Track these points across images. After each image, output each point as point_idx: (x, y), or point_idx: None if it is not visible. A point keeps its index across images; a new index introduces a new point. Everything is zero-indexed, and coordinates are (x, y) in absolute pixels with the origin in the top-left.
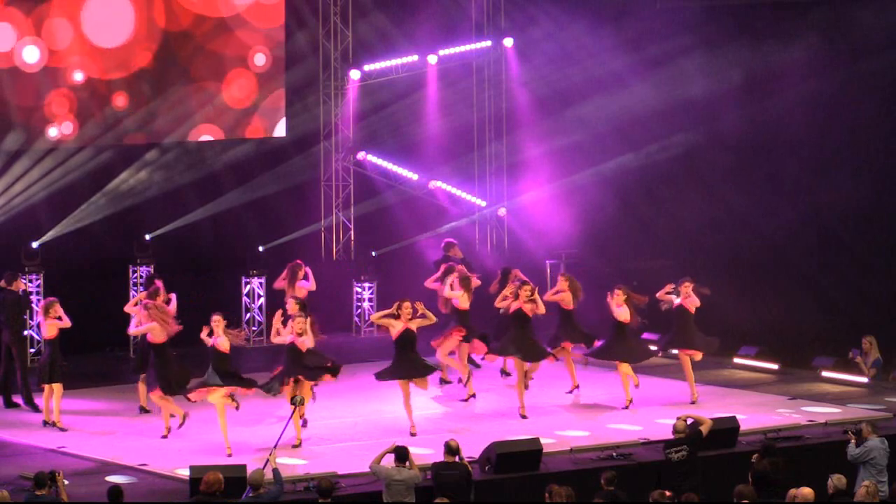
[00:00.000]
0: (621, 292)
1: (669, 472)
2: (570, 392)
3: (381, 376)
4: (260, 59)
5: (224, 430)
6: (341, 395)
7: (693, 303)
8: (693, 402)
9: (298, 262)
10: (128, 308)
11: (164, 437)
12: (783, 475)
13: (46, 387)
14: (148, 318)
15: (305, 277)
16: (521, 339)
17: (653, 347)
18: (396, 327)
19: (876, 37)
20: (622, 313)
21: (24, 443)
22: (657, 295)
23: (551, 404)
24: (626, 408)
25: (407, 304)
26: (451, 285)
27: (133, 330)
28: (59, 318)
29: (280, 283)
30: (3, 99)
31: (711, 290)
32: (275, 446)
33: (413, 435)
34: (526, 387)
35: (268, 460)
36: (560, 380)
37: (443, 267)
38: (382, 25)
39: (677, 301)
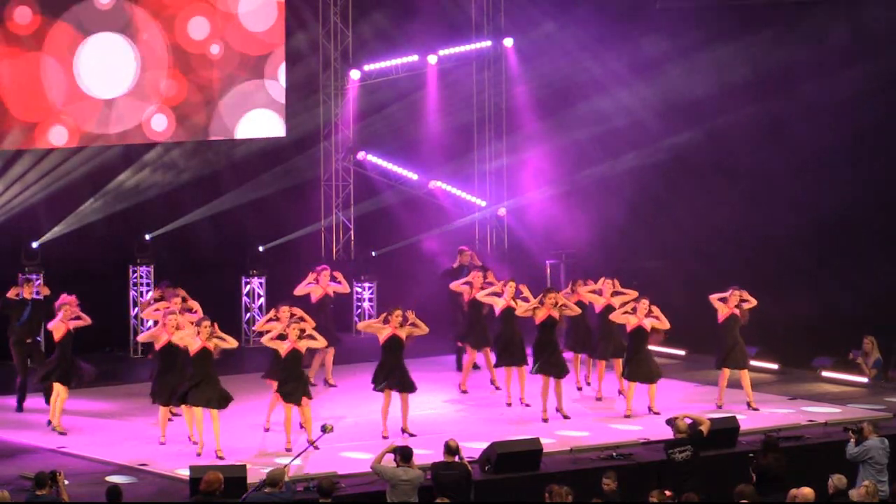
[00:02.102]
0: (647, 302)
1: (671, 472)
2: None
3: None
4: (215, 49)
5: (200, 432)
6: (341, 395)
7: (743, 309)
8: (719, 407)
9: (324, 266)
10: (146, 314)
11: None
12: (785, 471)
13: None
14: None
15: (336, 280)
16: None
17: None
18: (384, 332)
19: (879, 35)
20: (649, 324)
21: (25, 443)
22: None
23: (551, 405)
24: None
25: (398, 311)
26: (512, 294)
27: (143, 336)
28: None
29: (303, 289)
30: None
31: (711, 289)
32: (291, 462)
33: (385, 438)
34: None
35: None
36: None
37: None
38: (382, 25)
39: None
